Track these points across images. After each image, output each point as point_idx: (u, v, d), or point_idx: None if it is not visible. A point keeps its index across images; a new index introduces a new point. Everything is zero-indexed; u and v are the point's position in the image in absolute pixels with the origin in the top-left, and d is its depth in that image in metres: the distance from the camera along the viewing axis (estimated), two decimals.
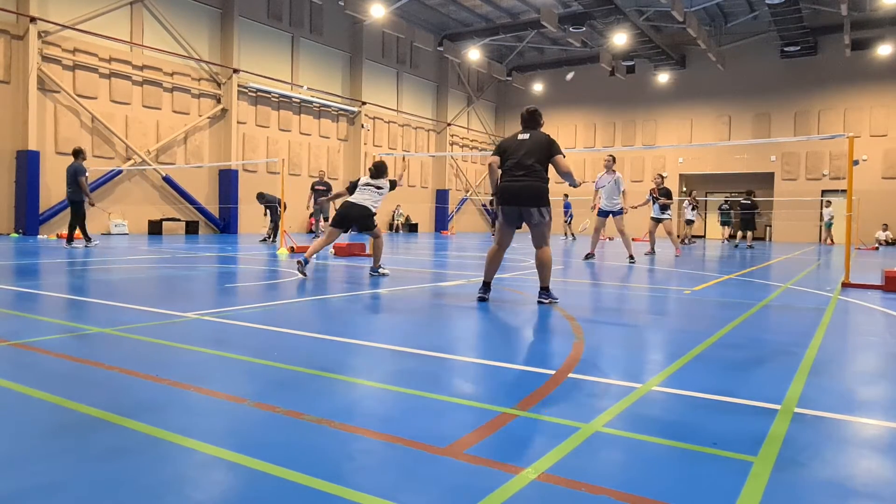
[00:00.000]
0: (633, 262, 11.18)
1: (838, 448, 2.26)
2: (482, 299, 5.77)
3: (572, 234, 25.66)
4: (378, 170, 8.16)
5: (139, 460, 1.97)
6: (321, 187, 17.18)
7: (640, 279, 8.65)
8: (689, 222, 21.40)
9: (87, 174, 12.76)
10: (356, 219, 7.93)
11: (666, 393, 2.88)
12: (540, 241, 5.70)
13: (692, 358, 3.61)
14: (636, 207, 14.28)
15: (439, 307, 5.72)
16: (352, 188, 8.16)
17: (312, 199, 17.23)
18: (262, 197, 16.52)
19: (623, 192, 11.79)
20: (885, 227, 25.93)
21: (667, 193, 13.78)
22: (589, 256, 11.63)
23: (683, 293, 7.02)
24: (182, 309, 4.97)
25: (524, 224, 5.73)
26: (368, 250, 8.33)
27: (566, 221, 25.31)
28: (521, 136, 5.70)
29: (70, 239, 12.56)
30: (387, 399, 2.75)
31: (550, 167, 5.66)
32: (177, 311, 4.83)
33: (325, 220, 17.53)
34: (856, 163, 8.73)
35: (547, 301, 5.68)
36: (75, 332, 4.01)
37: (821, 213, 25.03)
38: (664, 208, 13.74)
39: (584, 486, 1.85)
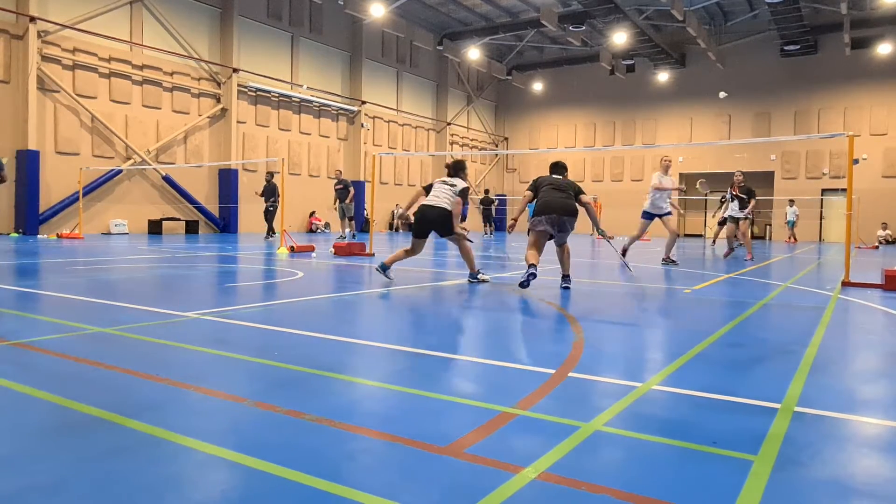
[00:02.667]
0: (674, 265, 10.43)
1: (838, 447, 2.26)
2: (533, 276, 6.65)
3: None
4: (455, 168, 7.49)
5: (139, 460, 1.98)
6: (339, 186, 17.31)
7: (640, 278, 8.65)
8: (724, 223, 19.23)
9: None
10: (432, 221, 7.23)
11: (666, 392, 2.88)
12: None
13: (692, 357, 3.61)
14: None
15: (439, 306, 5.72)
16: (427, 189, 7.51)
17: (338, 201, 17.39)
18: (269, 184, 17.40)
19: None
20: (885, 226, 25.92)
21: (749, 192, 13.02)
22: (668, 261, 10.68)
23: (683, 292, 7.02)
24: (182, 308, 4.97)
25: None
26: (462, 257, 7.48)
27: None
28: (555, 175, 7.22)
29: None
30: (387, 398, 2.75)
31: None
32: (177, 311, 4.83)
33: (351, 219, 17.65)
34: (856, 161, 8.70)
35: (568, 286, 6.93)
36: (75, 331, 4.01)
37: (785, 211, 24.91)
38: (743, 207, 12.98)
39: (585, 485, 1.85)
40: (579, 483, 1.86)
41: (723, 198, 13.55)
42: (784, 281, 8.43)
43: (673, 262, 10.73)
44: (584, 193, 7.07)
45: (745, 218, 13.03)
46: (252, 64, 22.72)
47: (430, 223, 7.23)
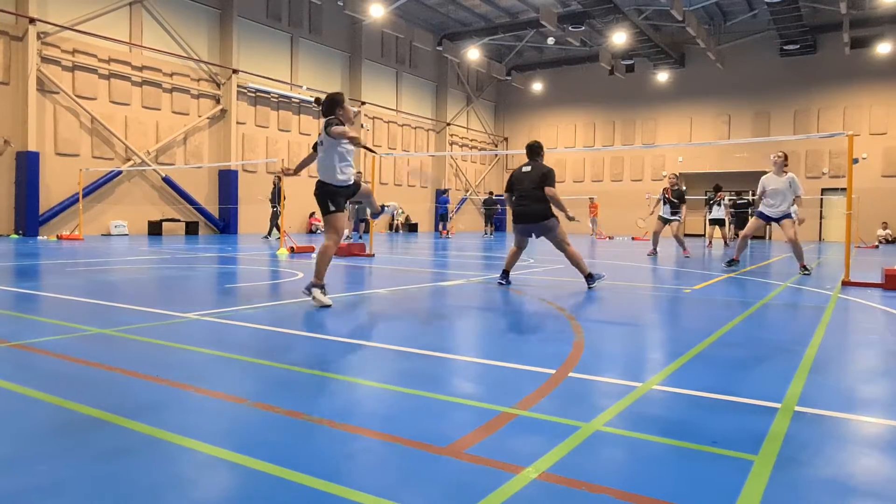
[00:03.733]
0: (806, 273, 9.12)
1: (839, 446, 2.26)
2: (502, 284, 7.11)
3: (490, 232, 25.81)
4: (328, 106, 5.42)
5: (140, 460, 1.97)
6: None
7: (640, 278, 8.65)
8: (721, 222, 18.39)
9: None
10: (316, 199, 5.49)
11: (666, 392, 2.88)
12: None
13: (692, 357, 3.61)
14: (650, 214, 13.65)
15: (439, 307, 5.72)
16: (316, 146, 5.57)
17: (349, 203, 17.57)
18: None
19: (798, 197, 9.41)
20: (885, 226, 25.93)
21: (680, 196, 13.14)
22: (805, 270, 9.28)
23: (683, 292, 7.01)
24: (182, 309, 4.97)
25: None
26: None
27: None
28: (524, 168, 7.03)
29: None
30: (387, 399, 2.75)
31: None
32: (177, 312, 4.83)
33: (362, 221, 17.64)
34: (855, 161, 8.65)
35: (593, 285, 6.94)
36: (76, 332, 4.01)
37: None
38: (675, 210, 13.15)
39: (585, 485, 1.85)
40: (580, 483, 1.86)
41: (664, 197, 13.54)
42: (784, 280, 8.43)
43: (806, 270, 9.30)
44: (550, 185, 6.75)
45: (676, 220, 13.29)
46: (251, 65, 22.72)
47: (317, 200, 5.53)
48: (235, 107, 22.07)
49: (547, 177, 6.78)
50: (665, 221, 13.34)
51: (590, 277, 6.96)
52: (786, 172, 9.44)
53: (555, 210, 6.83)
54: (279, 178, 17.96)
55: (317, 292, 5.26)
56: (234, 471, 1.94)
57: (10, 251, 11.21)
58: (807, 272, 9.24)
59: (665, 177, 13.20)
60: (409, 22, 27.37)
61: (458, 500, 1.74)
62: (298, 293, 6.10)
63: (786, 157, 9.52)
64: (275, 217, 17.75)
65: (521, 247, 7.25)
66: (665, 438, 2.26)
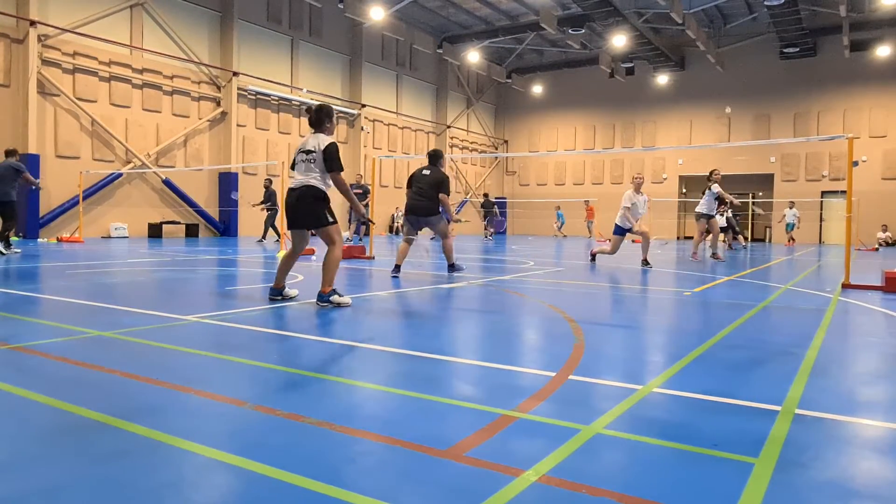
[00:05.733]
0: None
1: (839, 449, 2.26)
2: (396, 276, 7.87)
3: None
4: (318, 116, 5.62)
5: (139, 463, 1.97)
6: (357, 191, 17.40)
7: (640, 281, 8.65)
8: (724, 230, 18.53)
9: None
10: (296, 209, 5.47)
11: (666, 394, 2.88)
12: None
13: (693, 359, 3.61)
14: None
15: (440, 309, 5.72)
16: (294, 165, 5.65)
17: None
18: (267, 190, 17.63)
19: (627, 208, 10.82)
20: (885, 228, 25.93)
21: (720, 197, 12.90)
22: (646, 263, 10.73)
23: (684, 294, 7.01)
24: (182, 312, 4.97)
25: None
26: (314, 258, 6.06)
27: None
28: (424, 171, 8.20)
29: (8, 244, 11.22)
30: (387, 402, 2.75)
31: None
32: (177, 315, 4.82)
33: (364, 224, 17.70)
34: (855, 164, 8.70)
35: (453, 273, 8.21)
36: (76, 335, 4.00)
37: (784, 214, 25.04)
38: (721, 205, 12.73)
39: (585, 487, 1.85)
40: (580, 486, 1.86)
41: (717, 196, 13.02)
42: (784, 283, 8.43)
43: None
44: (445, 191, 7.98)
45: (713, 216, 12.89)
46: (252, 67, 22.75)
47: (295, 213, 5.48)
48: (236, 109, 22.09)
49: (442, 183, 8.01)
50: (709, 217, 12.76)
51: (452, 266, 8.26)
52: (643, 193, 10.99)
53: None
54: (270, 181, 17.99)
55: (335, 297, 5.50)
56: (234, 474, 1.93)
57: (11, 253, 11.20)
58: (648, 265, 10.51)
59: (715, 173, 12.53)
60: (410, 25, 27.40)
61: (459, 502, 1.74)
62: (298, 295, 6.10)
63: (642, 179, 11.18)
64: (270, 219, 17.74)
65: (410, 241, 8.20)
66: (666, 441, 2.26)
